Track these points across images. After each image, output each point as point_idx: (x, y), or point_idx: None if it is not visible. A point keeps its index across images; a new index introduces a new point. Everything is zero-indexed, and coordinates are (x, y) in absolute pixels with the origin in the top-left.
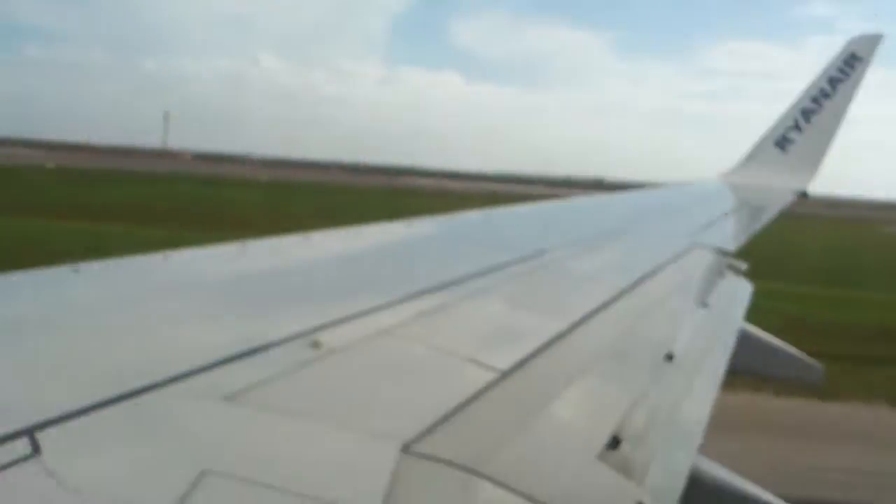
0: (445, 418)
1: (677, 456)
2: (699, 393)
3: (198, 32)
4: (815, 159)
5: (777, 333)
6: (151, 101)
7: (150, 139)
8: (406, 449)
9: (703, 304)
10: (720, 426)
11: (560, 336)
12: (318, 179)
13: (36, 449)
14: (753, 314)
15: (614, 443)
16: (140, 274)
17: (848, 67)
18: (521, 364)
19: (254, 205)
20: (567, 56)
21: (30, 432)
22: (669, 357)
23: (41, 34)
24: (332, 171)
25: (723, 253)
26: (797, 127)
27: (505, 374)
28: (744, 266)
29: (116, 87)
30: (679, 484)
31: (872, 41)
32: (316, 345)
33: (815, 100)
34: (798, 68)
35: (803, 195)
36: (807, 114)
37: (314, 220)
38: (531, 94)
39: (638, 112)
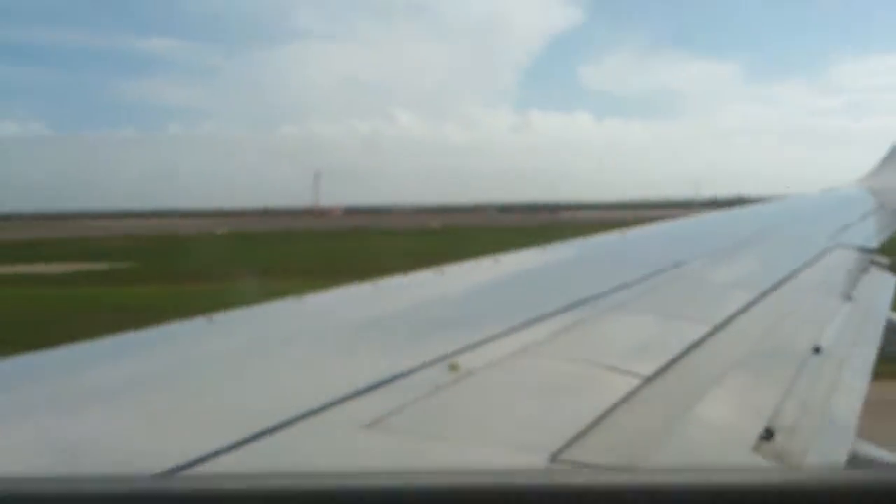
0: (592, 425)
1: (834, 441)
2: (850, 382)
3: (333, 97)
4: None
5: None
6: (293, 164)
7: (297, 199)
8: (554, 458)
9: (848, 297)
10: (875, 414)
11: (704, 338)
12: (482, 222)
13: None
14: None
15: (768, 434)
16: (284, 317)
17: None
18: (665, 368)
19: (463, 249)
20: (694, 85)
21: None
22: (817, 350)
23: (182, 113)
24: (484, 213)
25: (865, 250)
26: None
27: (649, 379)
28: (887, 261)
29: (257, 154)
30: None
31: None
32: (454, 367)
33: None
34: None
35: None
36: None
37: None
38: (664, 125)
39: (771, 132)
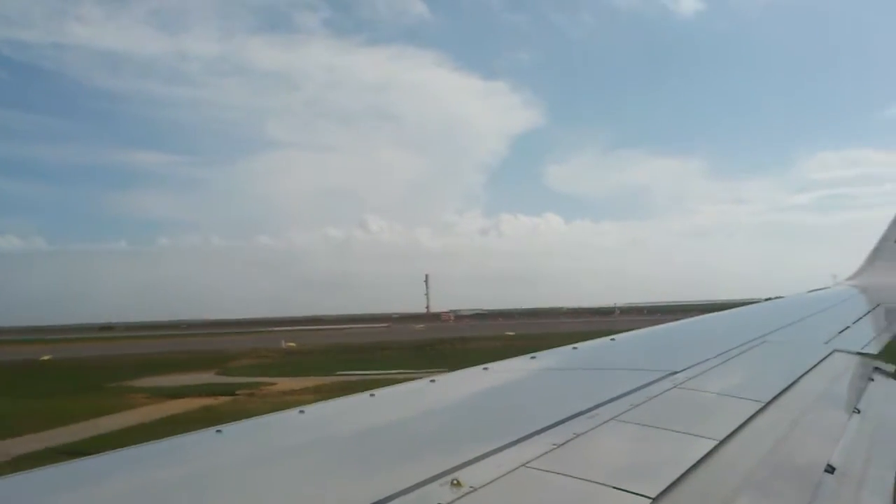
0: None
1: None
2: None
3: (306, 208)
4: None
5: None
6: (273, 273)
7: (285, 308)
8: None
9: (856, 410)
10: None
11: (707, 456)
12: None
13: None
14: None
15: None
16: (276, 429)
17: None
18: (671, 488)
19: None
20: (661, 184)
21: None
22: (831, 469)
23: (168, 225)
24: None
25: (866, 356)
26: None
27: (656, 500)
28: (893, 368)
29: (238, 264)
30: None
31: None
32: (456, 484)
33: None
34: None
35: None
36: None
37: None
38: (632, 226)
39: (743, 230)
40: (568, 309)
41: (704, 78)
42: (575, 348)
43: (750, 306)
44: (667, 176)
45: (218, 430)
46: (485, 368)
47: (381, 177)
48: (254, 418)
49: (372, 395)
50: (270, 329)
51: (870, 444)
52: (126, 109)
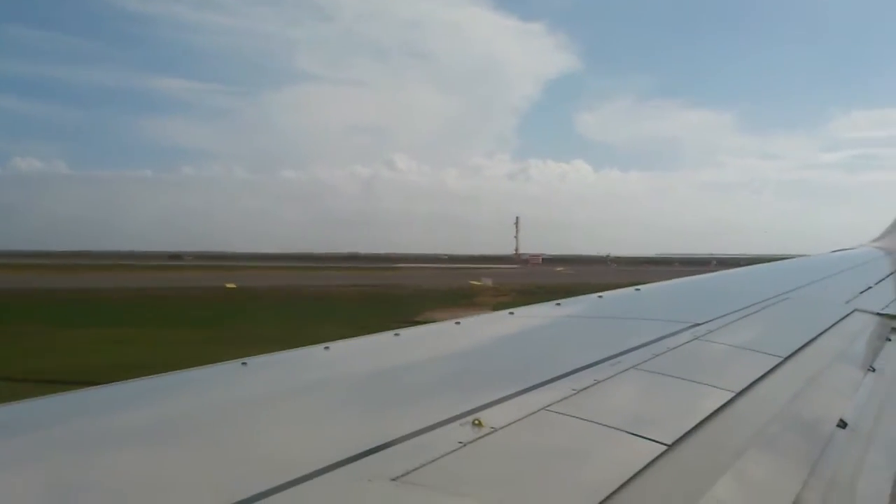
0: (616, 492)
1: None
2: (880, 459)
3: (333, 144)
4: None
5: None
6: (299, 208)
7: (308, 244)
8: None
9: (871, 368)
10: None
11: (724, 407)
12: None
13: None
14: None
15: None
16: (301, 364)
17: None
18: (686, 437)
19: None
20: (691, 135)
21: None
22: (843, 424)
23: (193, 154)
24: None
25: (886, 317)
26: None
27: (672, 447)
28: None
29: (262, 197)
30: None
31: None
32: (477, 424)
33: None
34: None
35: None
36: None
37: None
38: (660, 177)
39: (770, 186)
40: (631, 258)
41: (742, 31)
42: (600, 297)
43: (774, 263)
44: (697, 128)
45: (243, 363)
46: (510, 313)
47: (410, 115)
48: (279, 353)
49: (396, 334)
50: (370, 266)
51: (883, 402)
52: (155, 33)
